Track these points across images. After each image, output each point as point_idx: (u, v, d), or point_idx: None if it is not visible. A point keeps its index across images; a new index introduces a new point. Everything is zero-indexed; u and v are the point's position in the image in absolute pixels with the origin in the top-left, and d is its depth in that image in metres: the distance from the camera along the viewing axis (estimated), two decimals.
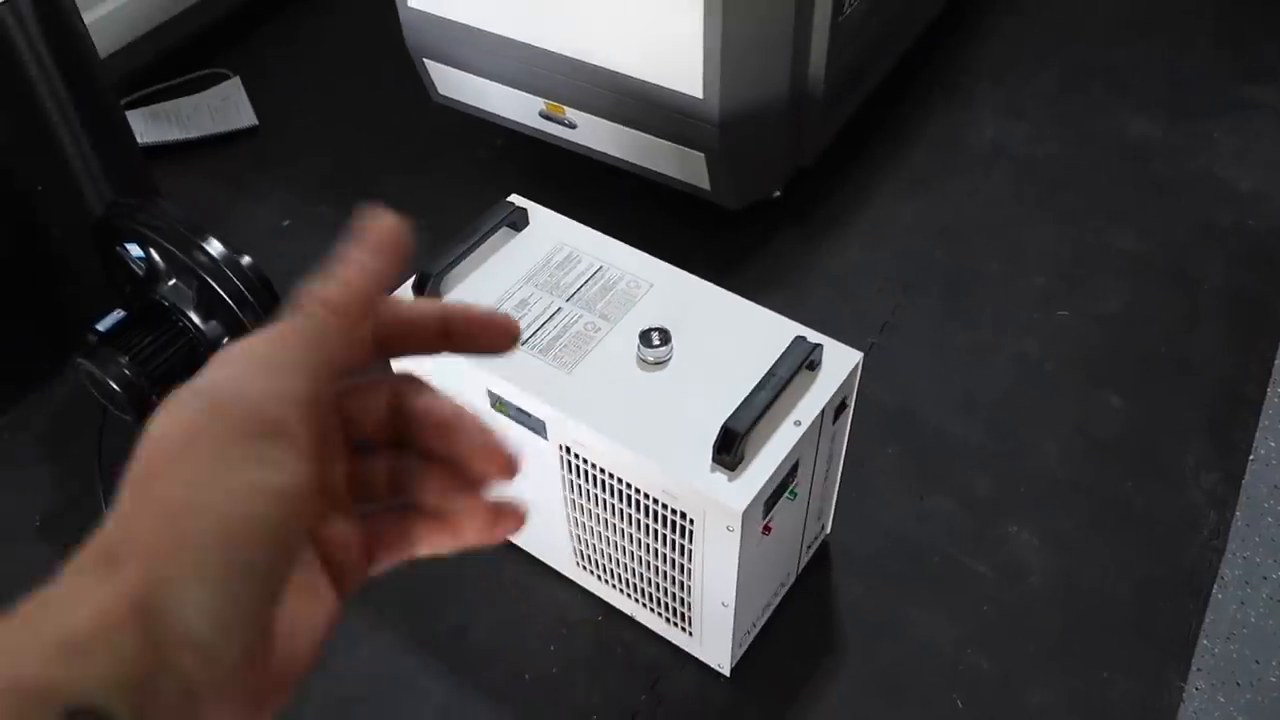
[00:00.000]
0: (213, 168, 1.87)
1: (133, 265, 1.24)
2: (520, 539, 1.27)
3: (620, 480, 0.99)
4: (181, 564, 0.23)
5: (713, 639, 1.12)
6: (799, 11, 1.39)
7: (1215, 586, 1.24)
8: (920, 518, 1.31)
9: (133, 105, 1.92)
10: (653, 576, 1.09)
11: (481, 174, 1.82)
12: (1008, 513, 1.31)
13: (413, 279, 1.09)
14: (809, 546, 1.22)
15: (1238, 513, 1.30)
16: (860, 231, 1.69)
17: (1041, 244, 1.66)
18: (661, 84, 1.41)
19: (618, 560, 1.12)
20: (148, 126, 1.88)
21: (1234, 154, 1.79)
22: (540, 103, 1.59)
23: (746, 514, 0.91)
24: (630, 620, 1.21)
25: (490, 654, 1.22)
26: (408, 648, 1.22)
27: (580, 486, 1.04)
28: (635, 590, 1.14)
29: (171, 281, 1.22)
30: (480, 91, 1.66)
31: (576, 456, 1.01)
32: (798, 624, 1.22)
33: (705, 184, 1.53)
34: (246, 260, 1.24)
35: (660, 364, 1.02)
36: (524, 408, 1.02)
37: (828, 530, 1.27)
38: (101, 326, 1.24)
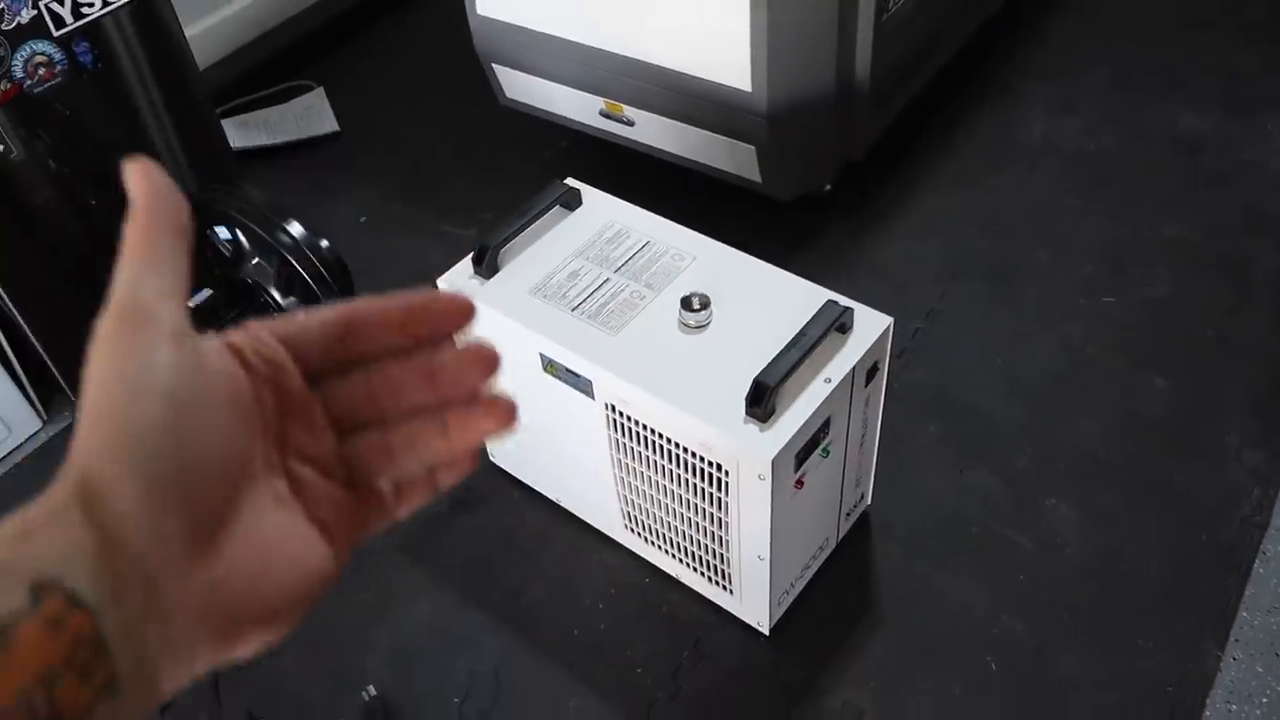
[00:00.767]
0: (296, 169, 2.00)
1: (221, 246, 1.36)
2: (572, 504, 1.34)
3: (660, 435, 1.06)
4: (103, 454, 0.26)
5: (751, 596, 1.17)
6: (843, 10, 1.46)
7: (1256, 561, 1.25)
8: (960, 491, 1.35)
9: (226, 115, 2.06)
10: (692, 533, 1.15)
11: (547, 173, 1.89)
12: (1047, 488, 1.34)
13: (473, 252, 1.18)
14: (848, 514, 1.27)
15: None
16: (909, 224, 1.73)
17: (1089, 234, 1.68)
18: (712, 79, 1.49)
19: (660, 519, 1.18)
20: (238, 134, 2.02)
21: None
22: (600, 102, 1.68)
23: (776, 462, 0.97)
24: (675, 582, 1.27)
25: (543, 613, 1.28)
26: (466, 607, 1.30)
27: (625, 445, 1.11)
28: (678, 549, 1.21)
29: (255, 260, 1.33)
30: (545, 93, 1.76)
31: (621, 414, 1.08)
32: (836, 588, 1.26)
33: (756, 176, 1.60)
34: (324, 243, 1.35)
35: (700, 328, 1.08)
36: (573, 368, 1.09)
37: (868, 501, 1.31)
38: (190, 303, 1.35)
